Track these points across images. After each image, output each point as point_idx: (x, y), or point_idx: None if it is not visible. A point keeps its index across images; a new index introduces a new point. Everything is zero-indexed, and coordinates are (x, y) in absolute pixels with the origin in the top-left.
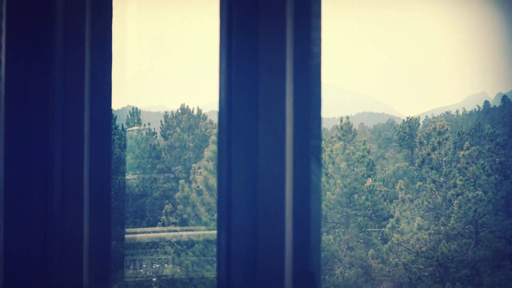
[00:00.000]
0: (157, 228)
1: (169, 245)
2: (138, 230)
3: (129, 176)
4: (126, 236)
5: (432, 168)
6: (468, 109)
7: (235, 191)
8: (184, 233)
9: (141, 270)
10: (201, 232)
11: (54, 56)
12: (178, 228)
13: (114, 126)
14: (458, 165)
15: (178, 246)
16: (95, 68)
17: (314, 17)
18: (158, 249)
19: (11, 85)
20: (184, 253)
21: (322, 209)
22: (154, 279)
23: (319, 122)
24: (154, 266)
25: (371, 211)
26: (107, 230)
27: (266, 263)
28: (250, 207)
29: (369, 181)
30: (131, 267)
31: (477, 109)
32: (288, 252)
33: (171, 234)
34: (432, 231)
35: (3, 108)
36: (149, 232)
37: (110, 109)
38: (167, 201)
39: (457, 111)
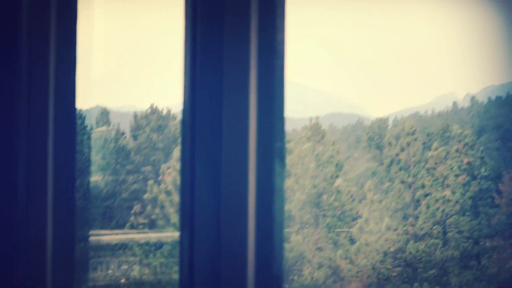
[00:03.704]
0: (125, 230)
1: (137, 246)
2: (106, 231)
3: (97, 177)
4: (93, 238)
5: (400, 169)
6: (437, 110)
7: (198, 193)
8: (153, 234)
9: (109, 272)
10: (169, 234)
11: (19, 55)
12: (146, 229)
13: (83, 126)
14: (427, 166)
15: (147, 248)
16: (60, 68)
17: (279, 18)
18: (126, 250)
19: None
20: (152, 254)
21: (285, 210)
22: (122, 281)
23: (282, 123)
24: (121, 268)
25: (340, 212)
26: (71, 232)
27: (229, 265)
28: (213, 209)
29: (338, 182)
30: (98, 269)
31: (445, 109)
32: (251, 253)
33: (140, 235)
34: (400, 232)
35: None
36: (117, 234)
37: (75, 110)
38: (136, 202)
39: (425, 112)
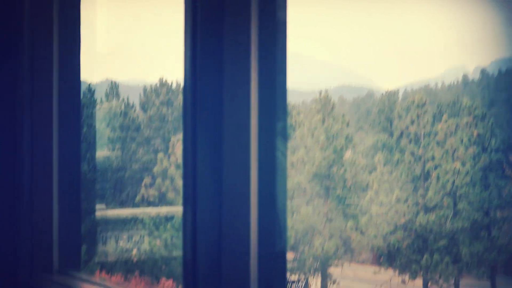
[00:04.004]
0: (135, 202)
1: (148, 219)
2: (116, 204)
3: (107, 150)
4: (104, 211)
5: (410, 141)
6: (447, 82)
7: (200, 170)
8: (163, 207)
9: (120, 245)
10: (180, 207)
11: (22, 30)
12: (156, 201)
13: (93, 99)
14: (437, 138)
15: (157, 220)
16: (64, 41)
17: None
18: (136, 223)
19: None
20: (163, 227)
21: (295, 183)
22: (133, 253)
23: (284, 100)
24: (132, 241)
25: (350, 183)
26: (77, 212)
27: (231, 239)
28: (215, 184)
29: (348, 154)
30: (109, 242)
31: (456, 82)
32: (253, 229)
33: (150, 208)
34: (411, 203)
35: None
36: (127, 207)
37: (79, 83)
38: (146, 174)
39: (436, 84)
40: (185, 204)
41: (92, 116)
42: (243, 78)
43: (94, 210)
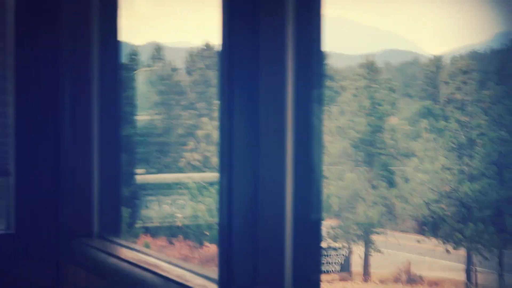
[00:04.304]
0: (179, 166)
1: (192, 184)
2: (161, 168)
3: (152, 113)
4: (148, 175)
5: (456, 108)
6: (495, 48)
7: (236, 137)
8: (207, 172)
9: (164, 209)
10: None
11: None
12: (200, 166)
13: (137, 62)
14: (482, 105)
15: (201, 185)
16: (103, 8)
17: None
18: (180, 188)
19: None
20: (206, 191)
21: (340, 148)
22: (178, 217)
23: (321, 65)
24: (176, 205)
25: (395, 150)
26: (117, 177)
27: (266, 206)
28: (251, 151)
29: (393, 120)
30: (153, 206)
31: (503, 47)
32: (288, 197)
33: (194, 173)
34: (456, 171)
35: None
36: (171, 171)
37: (120, 47)
38: (190, 138)
39: (483, 50)
40: (221, 170)
41: (136, 79)
42: (279, 44)
43: (138, 174)
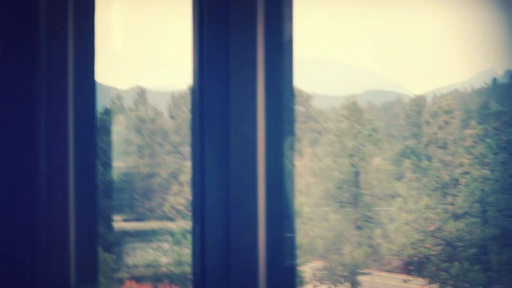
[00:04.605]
0: (163, 210)
1: (176, 228)
2: (144, 212)
3: (135, 158)
4: (130, 222)
5: (439, 147)
6: (476, 87)
7: (208, 186)
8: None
9: (148, 254)
10: None
11: (37, 38)
12: (184, 210)
13: (121, 106)
14: (465, 144)
15: (185, 229)
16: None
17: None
18: (164, 233)
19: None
20: (190, 234)
21: (323, 189)
22: (162, 261)
23: (291, 108)
24: (160, 250)
25: (379, 191)
26: (94, 228)
27: (239, 260)
28: (223, 198)
29: (377, 160)
30: (137, 252)
31: (485, 86)
32: (261, 245)
33: (178, 217)
34: (440, 210)
35: None
36: (155, 215)
37: (95, 90)
38: (174, 182)
39: (465, 89)
40: (194, 220)
41: (119, 123)
42: (250, 87)
43: (121, 220)
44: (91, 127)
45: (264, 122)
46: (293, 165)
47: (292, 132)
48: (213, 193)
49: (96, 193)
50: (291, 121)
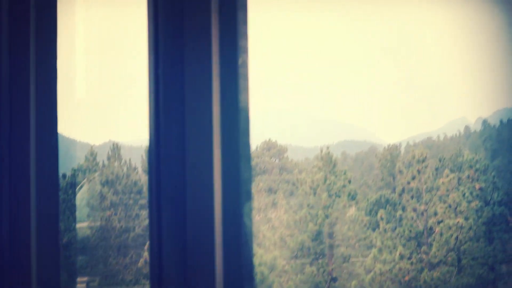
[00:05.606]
0: (138, 266)
1: None
2: (119, 268)
3: (109, 212)
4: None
5: (412, 197)
6: (449, 135)
7: (165, 245)
8: None
9: None
10: None
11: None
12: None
13: (95, 162)
14: (439, 193)
15: None
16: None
17: (240, 37)
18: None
19: None
20: None
21: (299, 241)
22: None
23: (248, 163)
24: None
25: (354, 241)
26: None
27: None
28: (180, 262)
29: (351, 211)
30: None
31: (457, 134)
32: None
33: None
34: (415, 260)
35: None
36: (130, 271)
37: (57, 144)
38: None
39: (438, 136)
40: (152, 282)
41: (93, 180)
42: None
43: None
44: (54, 186)
45: (221, 182)
46: (251, 220)
47: (248, 189)
48: (171, 257)
49: (58, 254)
50: (248, 182)
